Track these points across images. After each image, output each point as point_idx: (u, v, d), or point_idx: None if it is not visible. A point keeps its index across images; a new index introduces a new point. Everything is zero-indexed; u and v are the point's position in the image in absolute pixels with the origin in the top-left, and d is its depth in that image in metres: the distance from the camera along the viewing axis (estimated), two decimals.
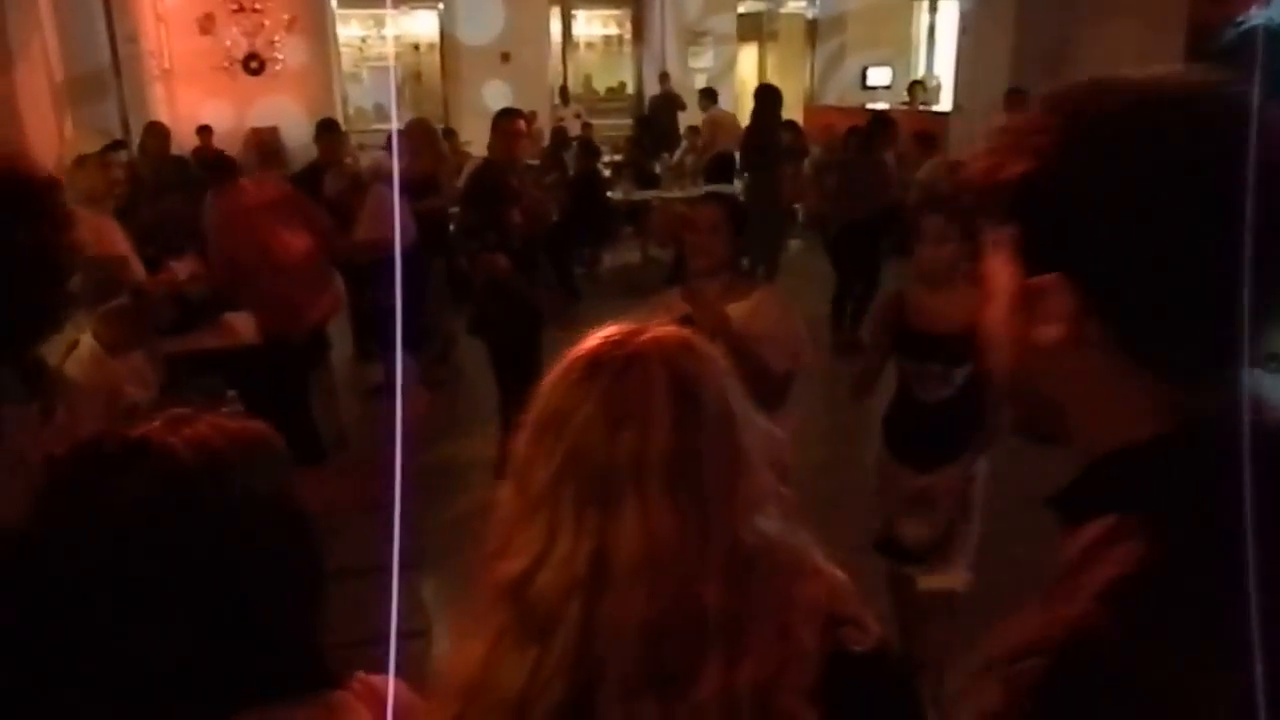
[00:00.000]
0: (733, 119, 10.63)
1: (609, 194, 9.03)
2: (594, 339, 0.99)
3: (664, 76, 12.23)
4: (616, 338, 0.98)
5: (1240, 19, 7.49)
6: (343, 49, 11.55)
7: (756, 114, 7.90)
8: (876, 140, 7.20)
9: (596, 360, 0.95)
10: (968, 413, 2.81)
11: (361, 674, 1.02)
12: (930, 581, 2.94)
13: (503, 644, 0.93)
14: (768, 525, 0.93)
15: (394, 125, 7.16)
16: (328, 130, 6.12)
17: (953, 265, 2.78)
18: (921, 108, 11.92)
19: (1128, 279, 0.68)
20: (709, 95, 10.83)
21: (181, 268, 3.15)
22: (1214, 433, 0.67)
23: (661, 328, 1.01)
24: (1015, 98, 7.87)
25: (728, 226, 2.87)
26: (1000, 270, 0.78)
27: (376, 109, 11.79)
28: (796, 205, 9.58)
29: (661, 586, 0.86)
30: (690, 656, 0.86)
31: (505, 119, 4.41)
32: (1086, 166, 0.70)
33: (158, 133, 7.18)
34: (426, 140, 6.57)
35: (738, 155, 8.91)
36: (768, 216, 7.57)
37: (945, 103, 12.20)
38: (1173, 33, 7.93)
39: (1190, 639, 0.64)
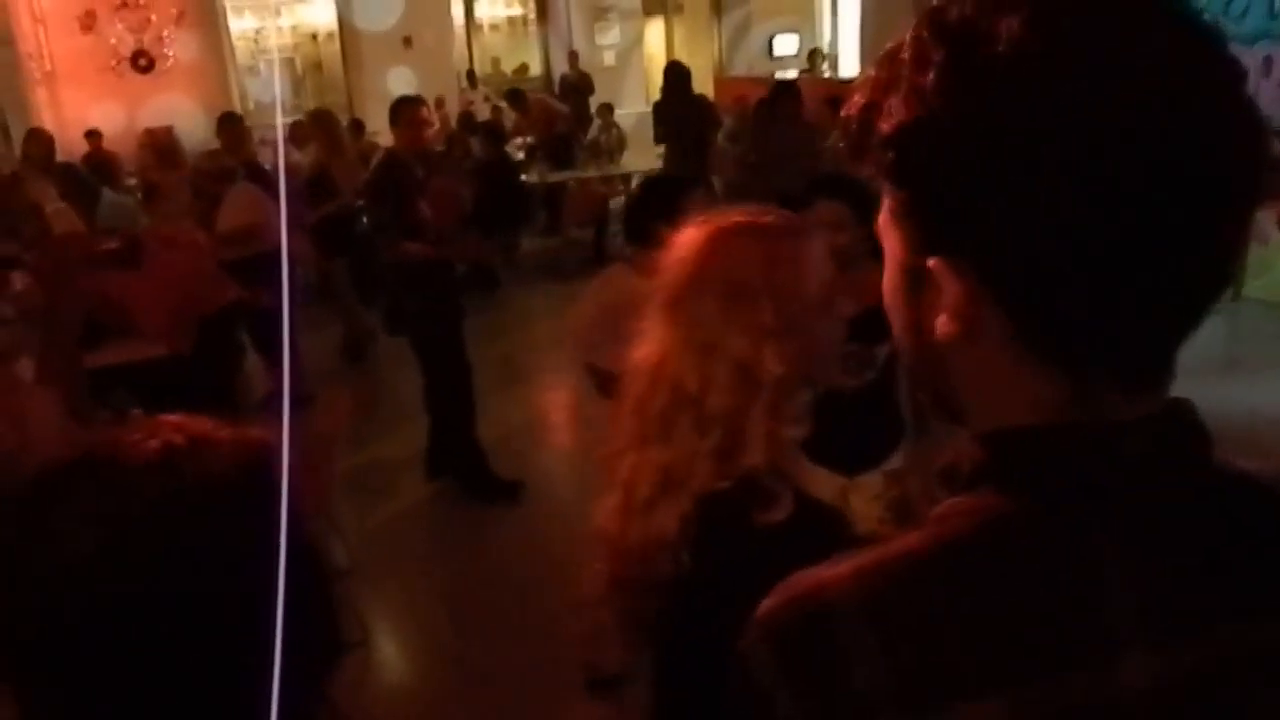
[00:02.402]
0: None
1: (523, 177, 8.90)
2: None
3: (573, 55, 12.10)
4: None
5: None
6: (237, 42, 11.15)
7: (665, 89, 7.86)
8: (779, 109, 7.12)
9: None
10: (889, 402, 2.67)
11: None
12: None
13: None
14: None
15: (279, 119, 6.92)
16: (229, 123, 5.89)
17: (856, 250, 2.57)
18: (827, 75, 11.99)
19: (1028, 263, 0.56)
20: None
21: (19, 277, 2.96)
22: (1099, 434, 0.59)
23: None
24: None
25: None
26: (889, 242, 0.67)
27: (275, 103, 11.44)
28: (714, 177, 9.57)
29: None
30: None
31: (406, 107, 4.26)
32: (975, 118, 0.55)
33: (41, 139, 6.82)
34: (324, 133, 6.40)
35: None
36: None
37: (850, 69, 12.31)
38: None
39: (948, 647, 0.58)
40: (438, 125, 4.90)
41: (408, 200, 4.11)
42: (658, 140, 8.30)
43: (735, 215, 1.38)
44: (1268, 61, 7.07)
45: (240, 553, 0.73)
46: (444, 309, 4.35)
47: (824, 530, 1.32)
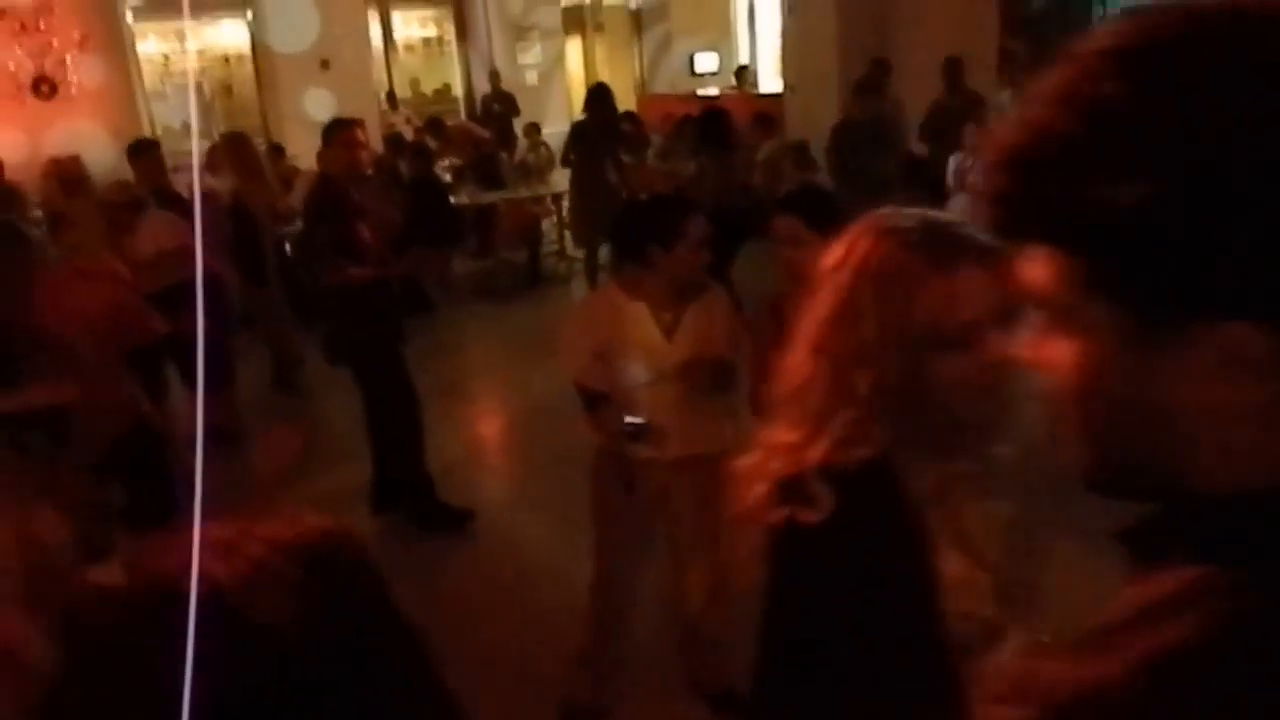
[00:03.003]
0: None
1: (451, 198, 8.73)
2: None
3: (494, 74, 11.98)
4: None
5: None
6: (144, 66, 10.74)
7: (591, 110, 7.77)
8: (710, 131, 6.97)
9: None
10: None
11: None
12: None
13: None
14: None
15: (194, 143, 6.69)
16: (144, 150, 5.59)
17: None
18: (750, 91, 12.10)
19: None
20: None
21: None
22: None
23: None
24: (879, 69, 7.94)
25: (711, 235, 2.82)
26: (1078, 315, 0.59)
27: (185, 128, 11.03)
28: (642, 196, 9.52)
29: None
30: None
31: (341, 129, 4.10)
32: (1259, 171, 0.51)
33: None
34: (240, 157, 6.17)
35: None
36: (605, 202, 7.49)
37: (769, 85, 12.44)
38: (986, 3, 8.27)
39: None
40: (370, 146, 4.73)
41: (348, 223, 3.95)
42: (564, 163, 8.14)
43: (908, 219, 1.31)
44: None
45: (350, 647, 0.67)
46: (387, 335, 4.19)
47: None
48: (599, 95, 7.79)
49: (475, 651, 3.57)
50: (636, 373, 2.81)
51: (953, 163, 6.72)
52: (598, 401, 2.88)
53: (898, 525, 1.22)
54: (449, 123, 10.85)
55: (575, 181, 7.79)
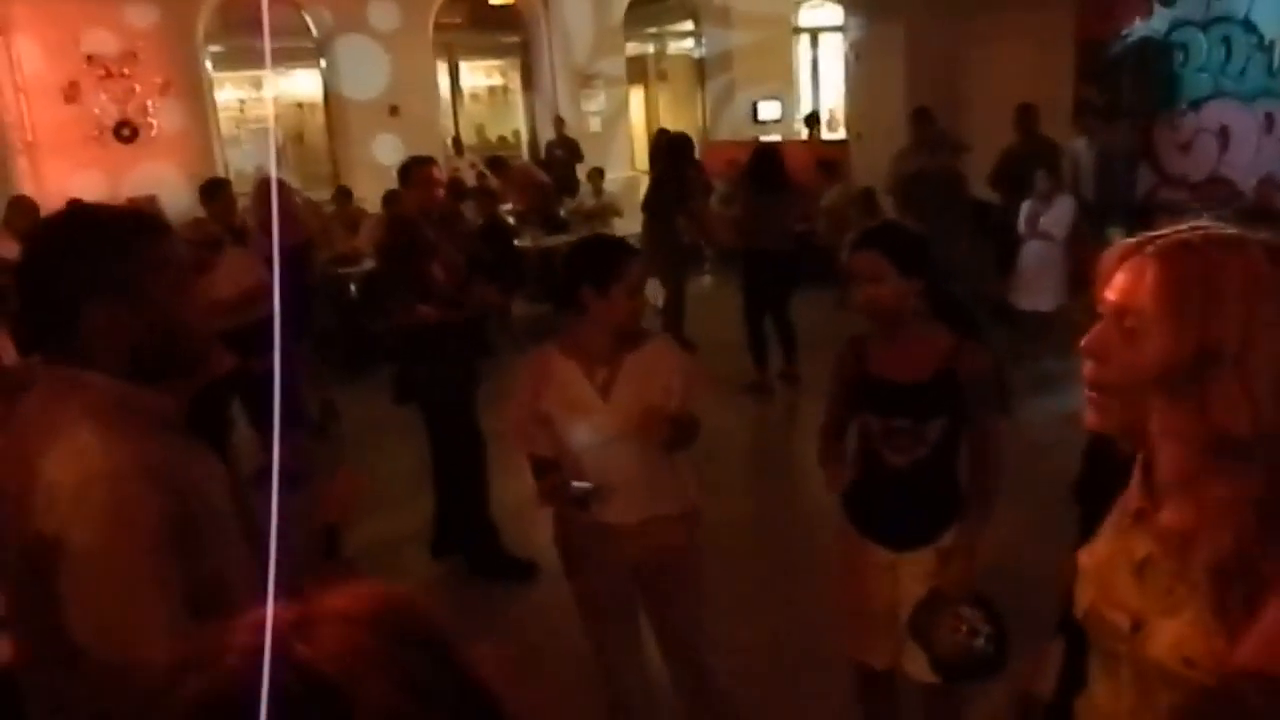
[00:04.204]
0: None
1: (515, 242, 8.76)
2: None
3: (559, 121, 12.10)
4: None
5: (1125, 32, 7.72)
6: (222, 113, 11.05)
7: (668, 161, 7.76)
8: (761, 173, 6.92)
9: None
10: (945, 477, 2.48)
11: None
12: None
13: None
14: None
15: (274, 188, 6.77)
16: (217, 190, 5.68)
17: (898, 304, 2.43)
18: (816, 138, 12.05)
19: None
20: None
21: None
22: None
23: None
24: (922, 116, 7.91)
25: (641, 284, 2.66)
26: None
27: (258, 171, 11.30)
28: (703, 241, 9.47)
29: None
30: None
31: (419, 167, 4.10)
32: None
33: (23, 208, 6.62)
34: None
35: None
36: (670, 250, 7.47)
37: (834, 132, 12.39)
38: (1061, 51, 8.14)
39: None
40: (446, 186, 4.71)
41: (421, 262, 3.93)
42: (644, 208, 8.13)
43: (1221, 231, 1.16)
44: (1269, 118, 7.10)
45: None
46: (458, 375, 4.14)
47: None
48: (676, 144, 7.72)
49: (532, 701, 3.46)
50: (579, 436, 2.61)
51: (1025, 209, 6.57)
52: (544, 468, 2.67)
53: None
54: (511, 163, 10.96)
55: (647, 228, 7.73)
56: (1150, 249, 1.14)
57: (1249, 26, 7.24)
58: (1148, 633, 1.18)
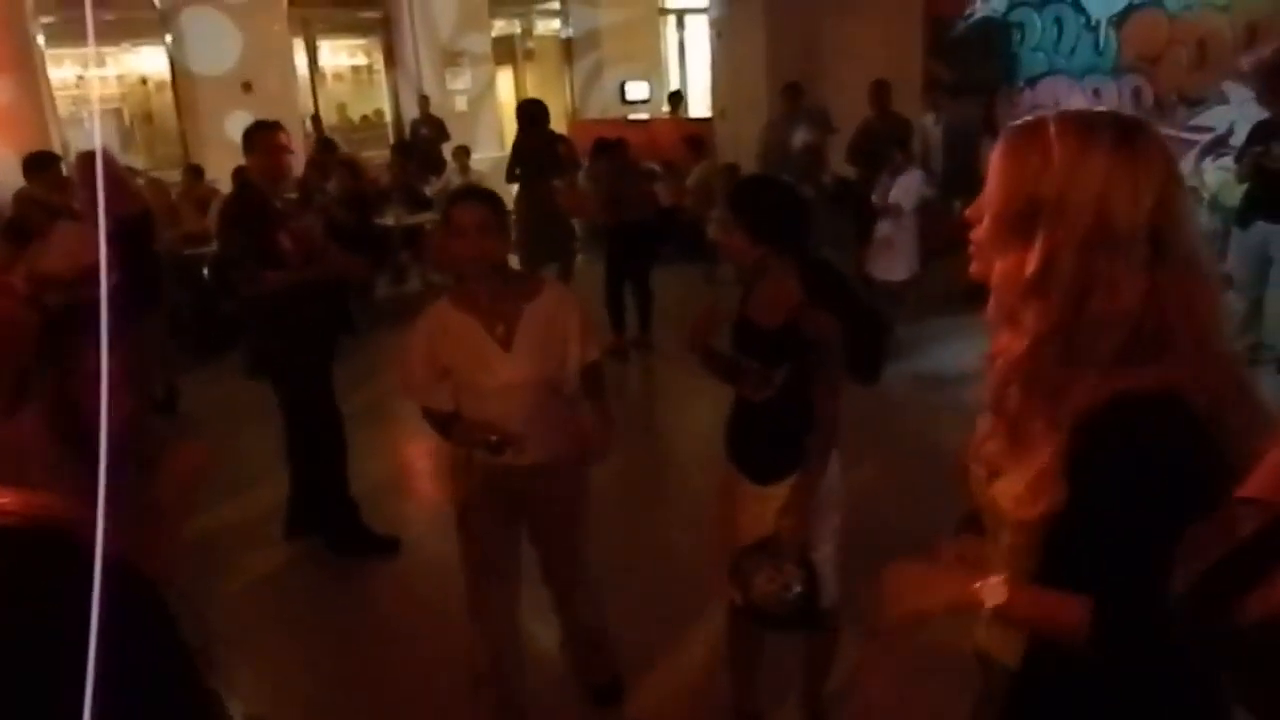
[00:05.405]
0: None
1: (377, 220, 8.56)
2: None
3: (424, 100, 11.86)
4: None
5: (969, 11, 8.05)
6: (58, 92, 10.38)
7: (525, 125, 7.69)
8: (616, 158, 7.48)
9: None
10: (796, 419, 2.56)
11: None
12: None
13: None
14: None
15: (99, 167, 6.41)
16: (44, 163, 5.33)
17: (743, 259, 2.59)
18: (682, 116, 12.18)
19: None
20: None
21: None
22: None
23: None
24: (792, 90, 8.09)
25: (496, 223, 2.67)
26: None
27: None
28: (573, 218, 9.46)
29: None
30: None
31: (262, 133, 3.92)
32: None
33: None
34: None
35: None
36: (552, 222, 7.54)
37: (700, 109, 12.54)
38: (911, 26, 8.43)
39: None
40: (295, 151, 4.50)
41: (267, 231, 3.78)
42: (509, 179, 8.05)
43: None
44: (1096, 93, 7.53)
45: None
46: (313, 349, 4.01)
47: None
48: (536, 112, 7.65)
49: (398, 675, 3.43)
50: (482, 385, 2.69)
51: (879, 184, 6.79)
52: (450, 421, 2.76)
53: None
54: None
55: (522, 201, 7.66)
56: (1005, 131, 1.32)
57: (1079, 8, 7.66)
58: (1000, 480, 1.35)
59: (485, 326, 2.69)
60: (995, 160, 1.29)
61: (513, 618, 2.96)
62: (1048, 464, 1.25)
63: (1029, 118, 1.29)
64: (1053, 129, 1.24)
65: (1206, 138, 7.03)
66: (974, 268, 1.34)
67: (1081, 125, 1.24)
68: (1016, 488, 1.30)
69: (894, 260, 6.69)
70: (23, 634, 0.59)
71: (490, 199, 2.75)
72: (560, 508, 2.89)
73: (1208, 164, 6.98)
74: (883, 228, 6.79)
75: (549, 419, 2.74)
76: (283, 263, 3.85)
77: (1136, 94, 7.42)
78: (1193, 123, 7.14)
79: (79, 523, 0.64)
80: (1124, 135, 1.23)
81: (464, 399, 2.74)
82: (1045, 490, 1.25)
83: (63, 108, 10.43)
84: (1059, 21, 7.74)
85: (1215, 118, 7.05)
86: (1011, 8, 7.98)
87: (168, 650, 0.71)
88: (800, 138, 7.46)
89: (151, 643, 0.68)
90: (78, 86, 10.72)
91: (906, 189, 6.63)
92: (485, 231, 2.62)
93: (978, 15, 8.15)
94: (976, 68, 8.19)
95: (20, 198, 5.10)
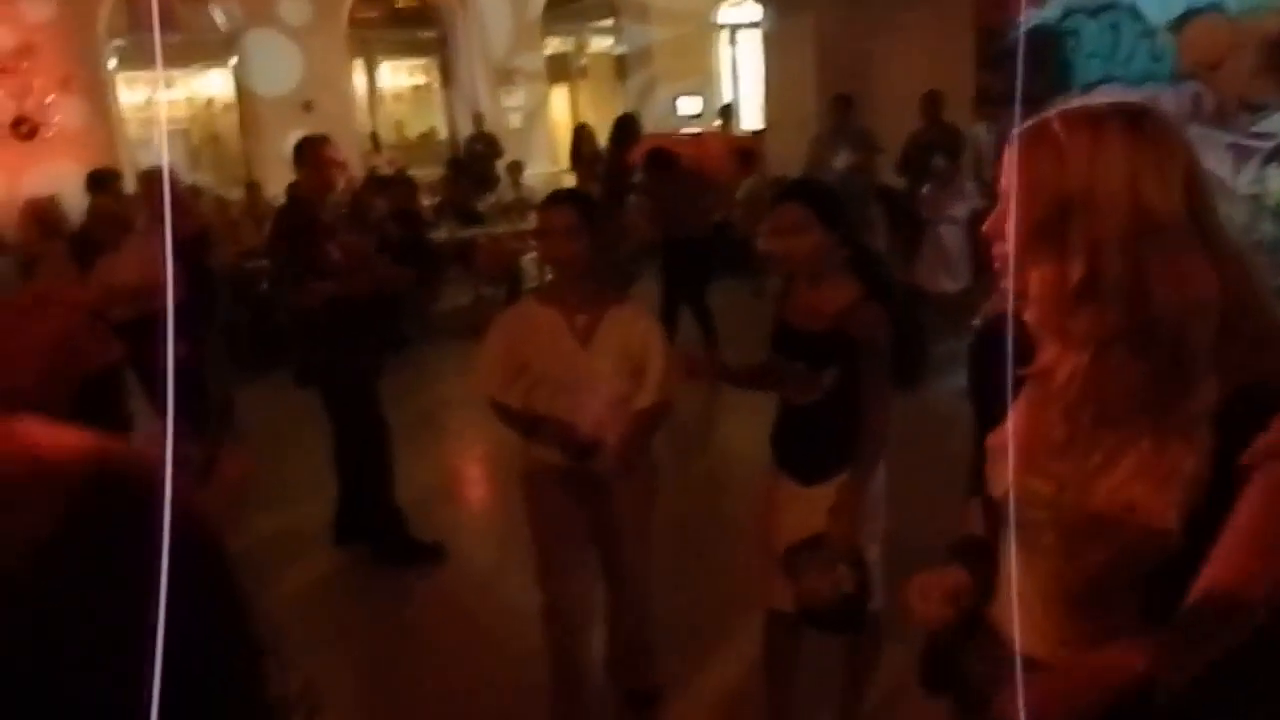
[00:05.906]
0: None
1: (431, 235, 8.70)
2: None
3: (478, 117, 12.05)
4: None
5: (1021, 20, 7.94)
6: (128, 114, 10.75)
7: (615, 144, 7.84)
8: (664, 172, 7.32)
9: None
10: (844, 422, 2.54)
11: None
12: None
13: None
14: None
15: (164, 182, 6.58)
16: (105, 181, 5.50)
17: (815, 256, 2.51)
18: (732, 129, 12.19)
19: None
20: None
21: None
22: None
23: None
24: (841, 103, 8.06)
25: (584, 226, 2.68)
26: None
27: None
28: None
29: None
30: None
31: (311, 146, 4.02)
32: None
33: None
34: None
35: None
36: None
37: (753, 122, 12.53)
38: (961, 38, 8.35)
39: None
40: (347, 165, 4.58)
41: (315, 240, 3.88)
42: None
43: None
44: (1154, 102, 7.37)
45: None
46: (361, 360, 4.09)
47: None
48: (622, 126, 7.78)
49: (443, 686, 3.45)
50: (557, 379, 2.71)
51: (924, 193, 6.73)
52: (538, 424, 2.75)
53: None
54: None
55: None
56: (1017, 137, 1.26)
57: (1135, 14, 7.52)
58: (1080, 489, 1.26)
59: (566, 320, 2.73)
60: (1007, 169, 1.23)
61: (588, 622, 2.99)
62: (1181, 468, 1.17)
63: (1029, 122, 1.24)
64: (1058, 126, 1.20)
65: (1270, 144, 6.83)
66: (1005, 284, 1.24)
67: (1088, 117, 1.21)
68: (1132, 495, 1.21)
69: (945, 271, 6.62)
70: (84, 582, 0.55)
71: (581, 201, 2.80)
72: (625, 508, 2.88)
73: (1271, 170, 6.78)
74: (932, 239, 6.73)
75: (619, 425, 2.73)
76: (331, 273, 3.94)
77: (1196, 100, 7.24)
78: (1255, 129, 6.95)
79: (145, 465, 0.62)
80: (1132, 120, 1.19)
81: (537, 395, 2.75)
82: (1186, 494, 1.17)
83: (133, 129, 10.80)
84: (1114, 28, 7.60)
85: (1279, 124, 6.86)
86: (1066, 15, 7.86)
87: (236, 609, 0.67)
88: (843, 159, 7.44)
89: (223, 599, 0.65)
90: (147, 107, 11.10)
91: (959, 199, 6.58)
92: (571, 234, 2.65)
93: (1030, 23, 8.04)
94: (1028, 77, 8.05)
95: (94, 211, 5.27)
